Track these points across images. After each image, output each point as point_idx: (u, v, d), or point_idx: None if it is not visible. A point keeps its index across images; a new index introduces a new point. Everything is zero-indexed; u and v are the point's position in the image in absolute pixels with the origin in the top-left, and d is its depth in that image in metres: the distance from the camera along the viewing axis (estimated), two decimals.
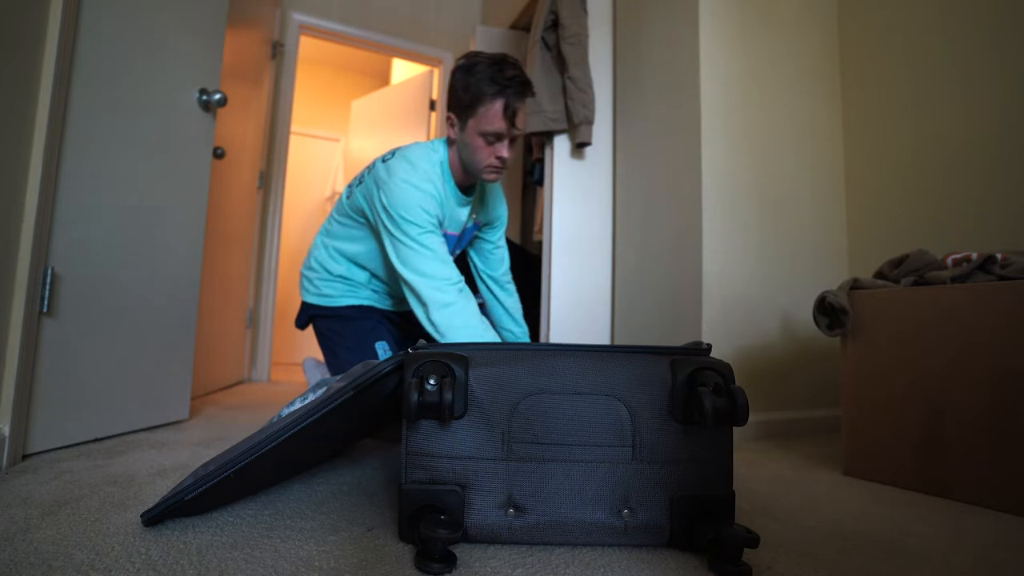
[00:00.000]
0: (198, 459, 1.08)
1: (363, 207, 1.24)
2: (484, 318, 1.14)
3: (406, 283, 1.13)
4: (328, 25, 2.82)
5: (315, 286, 1.35)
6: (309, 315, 1.37)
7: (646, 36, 1.81)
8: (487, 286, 1.46)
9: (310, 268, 1.37)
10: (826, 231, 1.76)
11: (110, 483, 0.90)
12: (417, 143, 1.24)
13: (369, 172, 1.24)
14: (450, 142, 1.21)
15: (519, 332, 1.47)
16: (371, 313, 1.35)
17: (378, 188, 1.16)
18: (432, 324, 1.10)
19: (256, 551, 0.65)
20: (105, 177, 1.22)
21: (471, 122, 1.13)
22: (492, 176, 1.18)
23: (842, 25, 1.85)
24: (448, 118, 1.18)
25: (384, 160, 1.21)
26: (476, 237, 1.42)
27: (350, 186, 1.32)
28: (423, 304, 1.11)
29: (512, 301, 1.47)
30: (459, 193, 1.23)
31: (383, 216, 1.14)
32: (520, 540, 0.69)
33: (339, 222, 1.33)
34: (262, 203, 2.61)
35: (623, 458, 0.69)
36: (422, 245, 1.11)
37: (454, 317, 1.09)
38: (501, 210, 1.42)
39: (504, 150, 1.14)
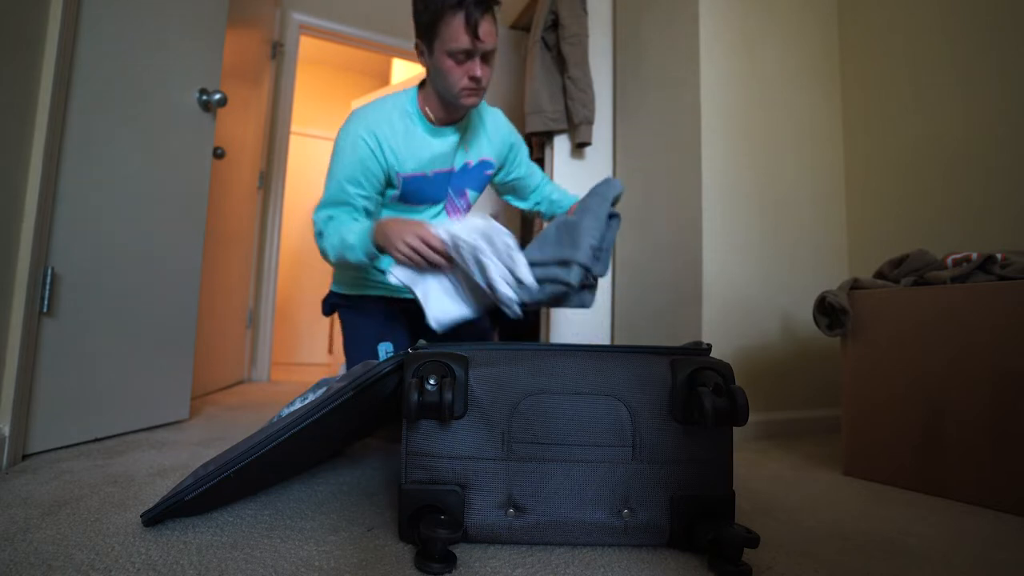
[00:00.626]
0: (198, 459, 1.08)
1: None
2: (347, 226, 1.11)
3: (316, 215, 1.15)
4: (328, 25, 2.82)
5: (338, 272, 1.34)
6: (331, 302, 1.35)
7: (646, 36, 1.81)
8: (546, 213, 1.39)
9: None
10: (826, 231, 1.76)
11: (110, 483, 0.90)
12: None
13: None
14: (426, 76, 1.16)
15: (565, 199, 1.38)
16: (383, 308, 1.29)
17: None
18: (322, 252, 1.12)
19: (256, 551, 0.65)
20: (105, 177, 1.22)
21: (436, 43, 1.06)
22: (470, 99, 1.10)
23: (842, 25, 1.85)
24: (416, 47, 1.13)
25: None
26: (502, 183, 1.35)
27: None
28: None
29: (560, 194, 1.39)
30: (431, 126, 1.16)
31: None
32: (520, 540, 0.69)
33: None
34: (262, 203, 2.61)
35: (623, 458, 0.69)
36: (334, 162, 1.13)
37: (329, 238, 1.10)
38: (511, 138, 1.31)
39: (476, 68, 1.06)
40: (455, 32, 1.03)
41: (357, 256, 1.06)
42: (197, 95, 1.49)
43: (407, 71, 3.59)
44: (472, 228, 0.96)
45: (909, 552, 0.73)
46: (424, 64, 1.13)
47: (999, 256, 1.00)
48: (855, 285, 1.19)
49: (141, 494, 0.85)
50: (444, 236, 0.97)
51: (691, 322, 1.55)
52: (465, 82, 1.07)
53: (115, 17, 1.24)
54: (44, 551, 0.63)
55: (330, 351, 4.06)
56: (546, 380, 0.70)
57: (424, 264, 0.99)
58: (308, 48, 3.85)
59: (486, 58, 1.08)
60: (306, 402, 0.83)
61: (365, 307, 1.29)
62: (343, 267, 1.28)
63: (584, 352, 0.73)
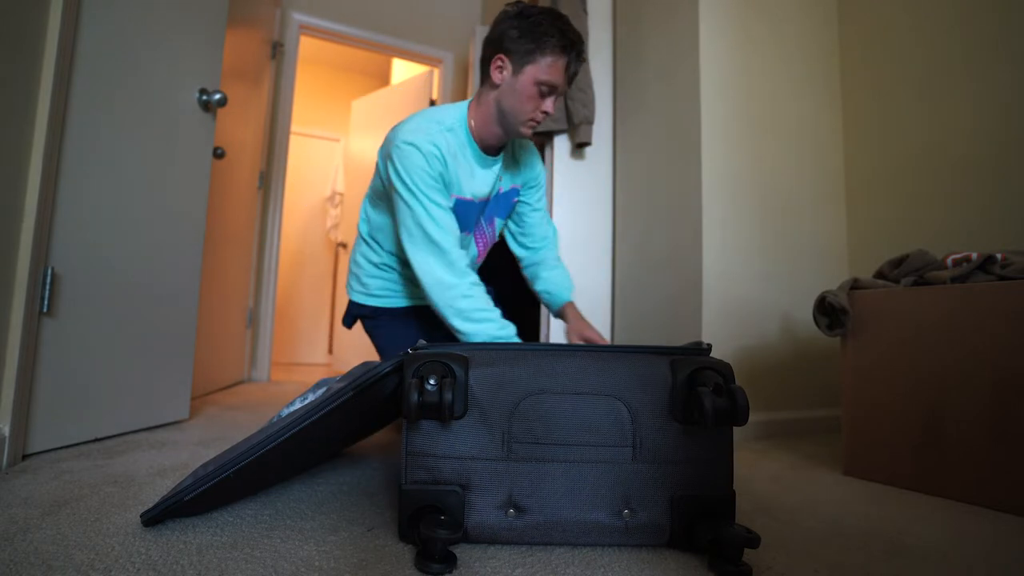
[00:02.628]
0: (198, 459, 1.08)
1: (382, 178, 1.16)
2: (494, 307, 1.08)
3: (413, 263, 1.07)
4: (328, 25, 2.82)
5: (361, 283, 1.30)
6: (354, 314, 1.33)
7: (646, 36, 1.81)
8: (526, 258, 1.35)
9: (356, 263, 1.32)
10: (826, 231, 1.76)
11: (110, 483, 0.90)
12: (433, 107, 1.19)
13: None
14: (490, 87, 1.12)
15: (558, 278, 1.33)
16: (412, 320, 1.29)
17: (384, 149, 1.12)
18: (447, 316, 1.07)
19: (256, 551, 0.65)
20: (105, 177, 1.22)
21: (529, 68, 1.06)
22: (529, 130, 1.12)
23: (842, 25, 1.85)
24: (496, 60, 1.09)
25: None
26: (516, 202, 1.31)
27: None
28: (436, 294, 1.06)
29: (554, 275, 1.33)
30: (480, 153, 1.15)
31: (393, 180, 1.09)
32: (520, 540, 0.69)
33: (372, 207, 1.26)
34: (262, 203, 2.61)
35: (623, 458, 0.69)
36: (427, 214, 1.06)
37: (473, 310, 1.05)
38: (538, 168, 1.32)
39: (551, 105, 1.10)
40: (555, 69, 1.07)
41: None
42: (197, 95, 1.49)
43: (407, 71, 3.59)
44: None
45: (909, 552, 0.73)
46: (497, 78, 1.10)
47: (999, 256, 1.00)
48: (855, 285, 1.19)
49: (141, 494, 0.85)
50: None
51: (691, 322, 1.55)
52: (537, 114, 1.10)
53: (115, 17, 1.24)
54: (44, 551, 0.63)
55: (330, 351, 4.06)
56: (546, 380, 0.70)
57: None
58: (308, 48, 3.86)
59: (556, 99, 1.11)
60: (306, 402, 0.83)
61: (388, 319, 1.30)
62: (384, 268, 1.28)
63: (584, 352, 0.73)
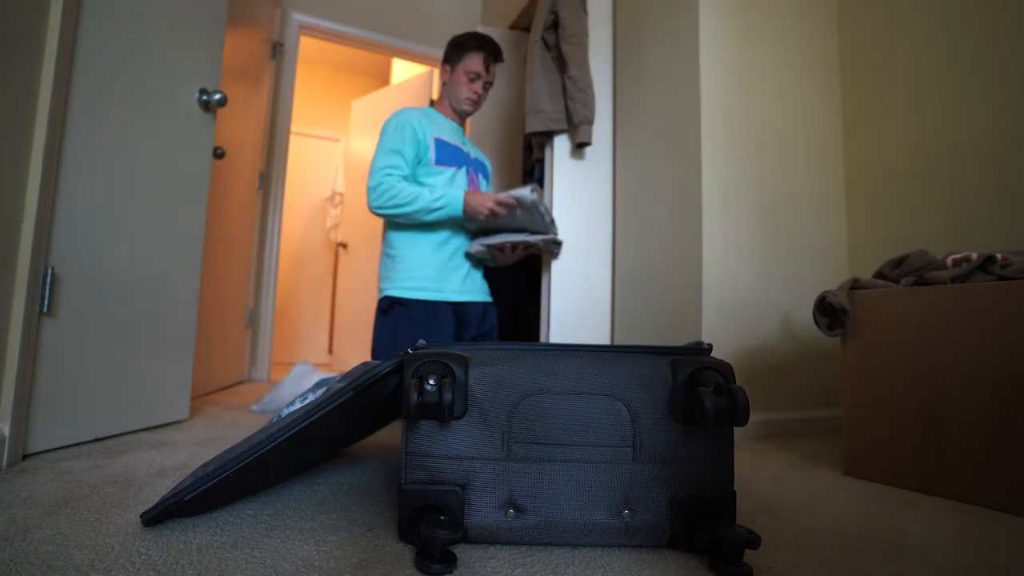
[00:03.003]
0: (198, 459, 1.08)
1: None
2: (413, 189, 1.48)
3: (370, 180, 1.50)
4: (328, 25, 2.82)
5: (395, 274, 1.55)
6: (390, 304, 1.53)
7: (646, 36, 1.81)
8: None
9: (387, 255, 1.59)
10: (826, 231, 1.76)
11: (110, 483, 0.90)
12: None
13: None
14: (443, 87, 1.68)
15: None
16: (435, 315, 1.51)
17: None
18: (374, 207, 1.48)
19: (256, 551, 0.65)
20: (105, 177, 1.22)
21: (459, 65, 1.62)
22: (469, 106, 1.64)
23: (843, 25, 1.85)
24: (442, 68, 1.67)
25: None
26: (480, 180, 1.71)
27: None
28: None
29: None
30: (447, 120, 1.66)
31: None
32: (520, 540, 0.69)
33: None
34: (262, 203, 2.61)
35: (623, 458, 0.69)
36: (385, 142, 1.52)
37: (386, 192, 1.47)
38: (486, 162, 1.76)
39: (479, 87, 1.63)
40: (474, 62, 1.61)
41: (440, 214, 1.48)
42: (197, 95, 1.49)
43: (407, 71, 3.59)
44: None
45: (909, 552, 0.73)
46: (444, 78, 1.67)
47: (999, 256, 1.00)
48: (855, 285, 1.19)
49: (141, 494, 0.85)
50: (511, 195, 1.49)
51: (691, 322, 1.55)
52: (470, 94, 1.63)
53: (115, 17, 1.24)
54: (44, 551, 0.63)
55: (330, 351, 4.06)
56: (546, 380, 0.70)
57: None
58: (308, 48, 3.86)
59: (485, 86, 1.65)
60: (306, 402, 0.83)
61: (423, 311, 1.49)
62: (403, 225, 1.58)
63: (584, 352, 0.73)
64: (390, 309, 1.51)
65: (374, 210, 1.47)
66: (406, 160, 1.50)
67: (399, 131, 1.51)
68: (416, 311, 1.48)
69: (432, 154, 1.54)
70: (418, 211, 1.45)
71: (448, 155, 1.57)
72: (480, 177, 1.67)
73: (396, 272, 1.54)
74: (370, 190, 1.47)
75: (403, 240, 1.56)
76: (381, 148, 1.51)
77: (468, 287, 1.59)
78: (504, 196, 1.48)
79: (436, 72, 3.08)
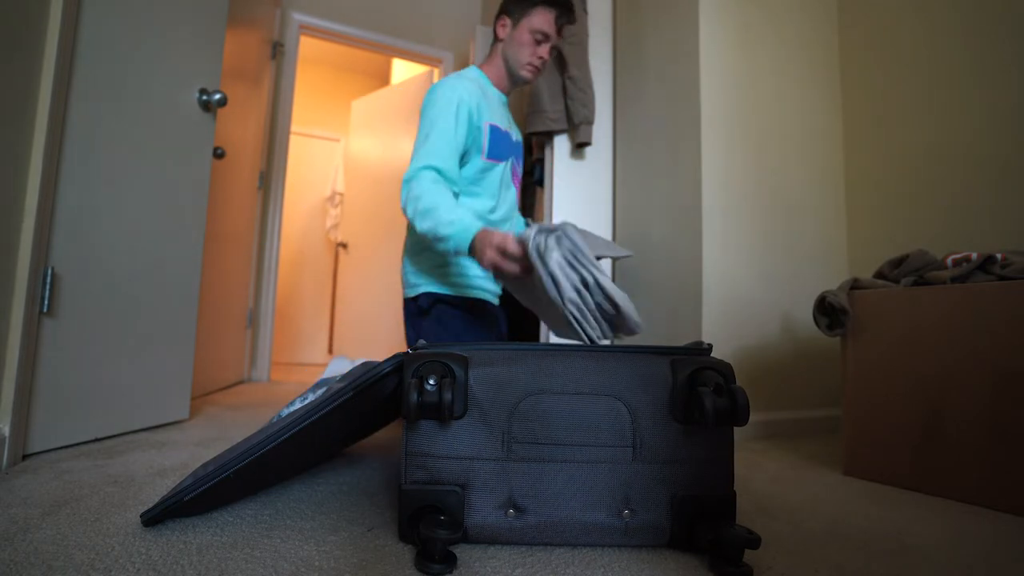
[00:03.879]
0: (198, 459, 1.08)
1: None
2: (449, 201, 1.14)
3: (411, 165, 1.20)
4: (328, 25, 2.82)
5: (428, 275, 1.31)
6: (427, 303, 1.30)
7: (646, 36, 1.81)
8: None
9: (412, 255, 1.35)
10: (826, 231, 1.76)
11: (110, 483, 0.90)
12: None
13: None
14: (496, 42, 1.37)
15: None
16: (488, 314, 1.32)
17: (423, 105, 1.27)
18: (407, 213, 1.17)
19: (256, 551, 0.65)
20: (105, 177, 1.22)
21: (524, 20, 1.31)
22: (530, 73, 1.34)
23: (843, 25, 1.85)
24: (500, 19, 1.35)
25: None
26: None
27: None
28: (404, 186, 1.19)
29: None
30: (496, 91, 1.38)
31: (422, 111, 1.25)
32: (520, 540, 0.69)
33: None
34: (262, 203, 2.61)
35: (623, 458, 0.69)
36: (431, 122, 1.21)
37: (421, 200, 1.14)
38: (519, 136, 1.47)
39: (545, 51, 1.32)
40: (544, 20, 1.31)
41: (445, 245, 1.09)
42: (197, 95, 1.49)
43: (407, 71, 3.59)
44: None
45: (909, 552, 0.73)
46: (501, 34, 1.35)
47: (999, 256, 1.00)
48: (855, 285, 1.19)
49: (141, 494, 0.85)
50: (528, 242, 0.89)
51: (691, 322, 1.55)
52: (534, 59, 1.32)
53: (115, 17, 1.24)
54: (44, 551, 0.63)
55: (330, 351, 4.06)
56: (546, 380, 0.70)
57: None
58: (308, 48, 3.86)
59: (551, 48, 1.34)
60: (306, 402, 0.83)
61: (470, 309, 1.30)
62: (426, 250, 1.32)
63: (584, 352, 0.73)
64: (432, 308, 1.29)
65: (405, 213, 1.17)
66: (457, 150, 1.21)
67: (451, 111, 1.20)
68: (467, 309, 1.30)
69: (486, 145, 1.26)
70: (425, 232, 1.12)
71: (500, 146, 1.30)
72: (520, 167, 1.43)
73: (437, 266, 1.31)
74: (404, 183, 1.18)
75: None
76: (427, 128, 1.20)
77: (495, 286, 1.40)
78: (513, 244, 0.97)
79: (436, 72, 3.09)
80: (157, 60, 1.35)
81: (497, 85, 1.37)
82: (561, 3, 1.31)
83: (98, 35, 1.19)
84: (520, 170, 1.44)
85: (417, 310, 1.31)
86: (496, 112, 1.32)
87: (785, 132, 1.71)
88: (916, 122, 1.60)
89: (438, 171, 1.17)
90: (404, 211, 1.17)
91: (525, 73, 1.33)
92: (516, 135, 1.42)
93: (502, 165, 1.32)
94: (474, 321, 1.28)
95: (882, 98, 1.70)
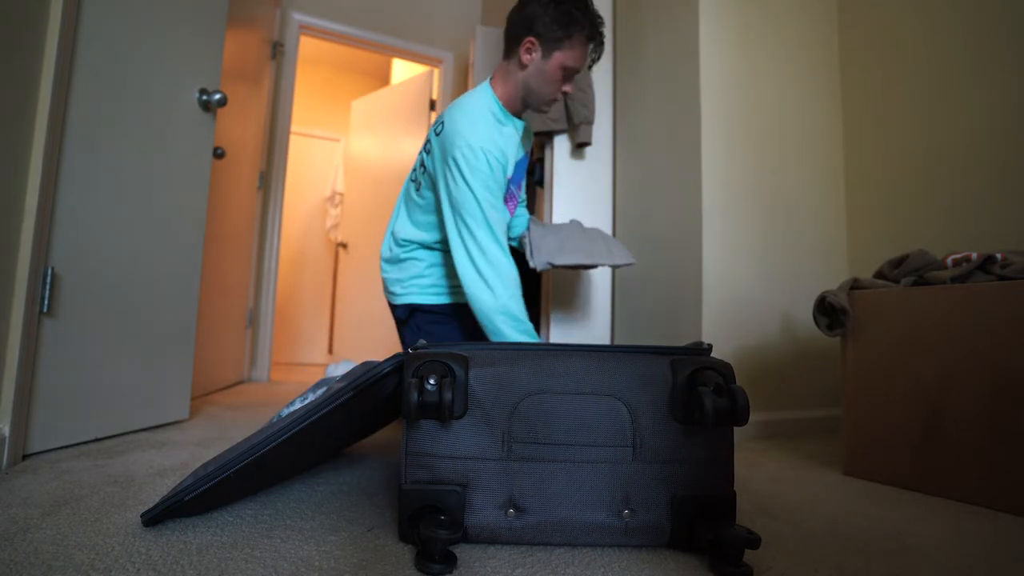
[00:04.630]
0: (198, 459, 1.08)
1: (432, 173, 1.24)
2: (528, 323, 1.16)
3: (463, 246, 1.14)
4: (328, 25, 2.82)
5: (407, 285, 1.33)
6: (406, 314, 1.34)
7: (646, 36, 1.81)
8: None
9: (392, 263, 1.36)
10: (826, 231, 1.76)
11: (110, 483, 0.90)
12: (463, 98, 1.25)
13: (428, 152, 1.26)
14: (518, 66, 1.22)
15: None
16: (463, 315, 1.31)
17: (450, 148, 1.16)
18: (490, 317, 1.13)
19: (256, 551, 0.65)
20: (105, 177, 1.22)
21: (558, 54, 1.18)
22: (549, 108, 1.27)
23: (843, 25, 1.85)
24: (527, 42, 1.19)
25: (441, 125, 1.22)
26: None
27: (413, 179, 1.33)
28: (483, 287, 1.13)
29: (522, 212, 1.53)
30: (517, 121, 1.28)
31: (453, 168, 1.15)
32: (520, 540, 0.69)
33: (420, 208, 1.30)
34: (262, 203, 2.61)
35: (624, 458, 0.69)
36: (485, 209, 1.13)
37: (513, 319, 1.13)
38: (530, 135, 1.45)
39: (571, 87, 1.24)
40: (579, 56, 1.19)
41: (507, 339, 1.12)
42: (197, 95, 1.49)
43: (407, 71, 3.59)
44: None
45: (909, 552, 0.73)
46: (526, 59, 1.20)
47: (999, 256, 1.00)
48: (855, 285, 1.19)
49: (141, 494, 0.85)
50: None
51: (691, 322, 1.55)
52: (558, 94, 1.24)
53: (115, 17, 1.24)
54: (44, 551, 0.63)
55: (330, 351, 4.06)
56: (547, 380, 0.70)
57: None
58: (308, 48, 3.86)
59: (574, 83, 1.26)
60: (306, 402, 0.83)
61: (447, 313, 1.31)
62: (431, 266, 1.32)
63: (584, 352, 0.73)
64: (410, 318, 1.33)
65: (508, 315, 1.14)
66: (503, 212, 1.20)
67: (495, 173, 1.16)
68: (444, 313, 1.32)
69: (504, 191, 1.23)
70: (483, 319, 1.15)
71: (510, 185, 1.29)
72: (519, 183, 1.38)
73: (413, 277, 1.33)
74: (492, 265, 1.12)
75: (435, 254, 1.33)
76: (485, 197, 1.14)
77: None
78: None
79: (436, 72, 3.08)
80: (157, 60, 1.35)
81: (511, 110, 1.27)
82: (599, 36, 1.21)
83: (98, 35, 1.19)
84: (517, 188, 1.40)
85: (399, 320, 1.37)
86: (513, 151, 1.25)
87: (785, 132, 1.71)
88: (916, 122, 1.60)
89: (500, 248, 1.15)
90: (507, 314, 1.13)
91: (546, 108, 1.27)
92: (525, 148, 1.37)
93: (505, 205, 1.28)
94: (452, 324, 1.30)
95: (882, 98, 1.70)
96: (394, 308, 1.38)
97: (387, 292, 1.39)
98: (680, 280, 1.60)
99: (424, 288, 1.33)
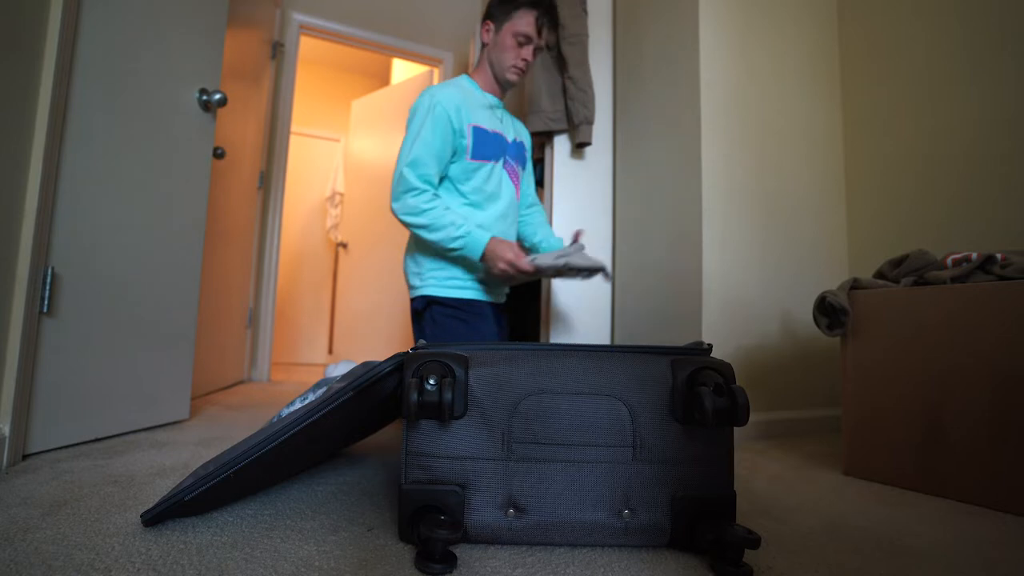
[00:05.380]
0: (198, 459, 1.08)
1: None
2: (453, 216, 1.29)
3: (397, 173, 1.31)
4: (328, 25, 2.82)
5: (425, 277, 1.39)
6: (425, 305, 1.38)
7: (646, 36, 1.81)
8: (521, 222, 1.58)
9: (411, 256, 1.44)
10: (826, 231, 1.76)
11: (110, 483, 0.90)
12: None
13: None
14: (483, 49, 1.43)
15: (547, 236, 1.57)
16: (480, 313, 1.37)
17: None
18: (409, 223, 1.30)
19: (256, 551, 0.65)
20: (105, 177, 1.22)
21: (506, 25, 1.37)
22: (514, 76, 1.40)
23: (843, 24, 1.85)
24: (484, 25, 1.41)
25: None
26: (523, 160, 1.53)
27: None
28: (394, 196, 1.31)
29: (537, 217, 1.61)
30: (482, 91, 1.43)
31: (408, 120, 1.35)
32: (520, 540, 0.69)
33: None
34: (262, 203, 2.61)
35: (623, 458, 0.69)
36: (415, 131, 1.30)
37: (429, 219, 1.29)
38: (529, 139, 1.57)
39: (529, 53, 1.38)
40: (525, 23, 1.36)
41: (457, 254, 1.30)
42: (197, 95, 1.49)
43: (407, 71, 3.59)
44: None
45: (909, 552, 0.73)
46: (485, 39, 1.42)
47: (999, 256, 1.00)
48: (855, 285, 1.19)
49: (141, 494, 0.85)
50: (536, 264, 1.27)
51: (691, 322, 1.55)
52: (518, 61, 1.38)
53: (115, 17, 1.24)
54: (44, 551, 0.63)
55: (330, 351, 4.06)
56: (546, 380, 0.70)
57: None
58: (308, 48, 3.86)
59: (535, 50, 1.40)
60: (306, 402, 0.83)
61: (463, 308, 1.36)
62: (424, 245, 1.40)
63: (584, 352, 0.73)
64: (426, 311, 1.38)
65: (395, 214, 1.30)
66: (438, 158, 1.30)
67: (432, 120, 1.28)
68: (460, 308, 1.35)
69: (469, 146, 1.33)
70: (436, 242, 1.28)
71: (487, 146, 1.36)
72: (519, 165, 1.48)
73: (431, 269, 1.38)
74: (397, 192, 1.29)
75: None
76: (411, 137, 1.30)
77: (489, 291, 1.45)
78: (526, 264, 1.25)
79: (436, 72, 3.09)
80: (157, 60, 1.35)
81: (487, 89, 1.43)
82: (542, 4, 1.36)
83: (98, 35, 1.19)
84: (520, 168, 1.49)
85: (416, 311, 1.40)
86: (481, 114, 1.37)
87: (785, 132, 1.71)
88: (916, 122, 1.60)
89: (424, 178, 1.29)
90: (395, 214, 1.31)
91: (510, 76, 1.39)
92: (514, 135, 1.47)
93: (490, 165, 1.37)
94: (467, 320, 1.35)
95: (883, 97, 1.70)
96: (412, 300, 1.42)
97: (408, 285, 1.46)
98: (680, 280, 1.60)
99: (441, 281, 1.37)
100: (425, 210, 1.27)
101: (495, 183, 1.39)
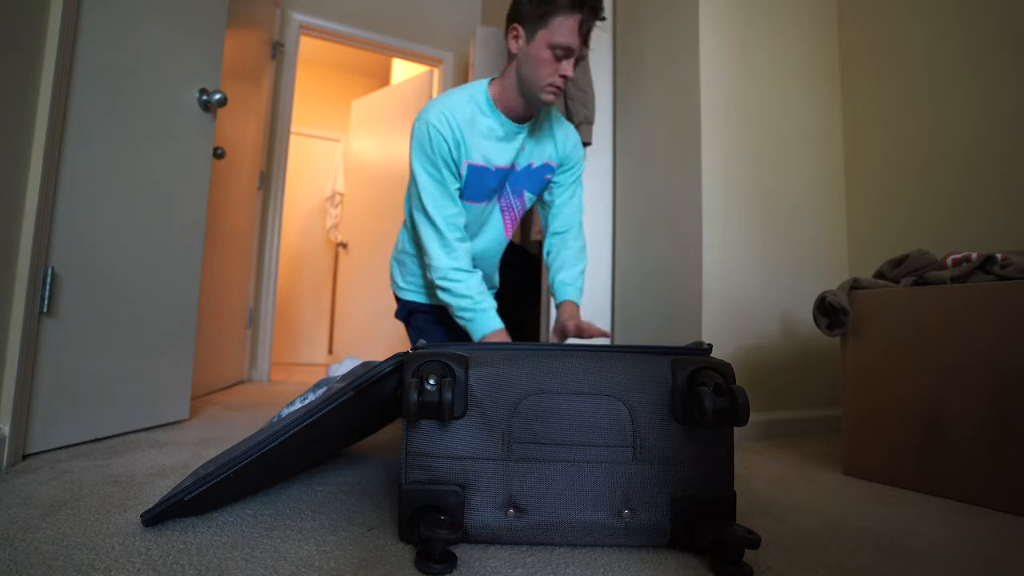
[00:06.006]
0: (198, 459, 1.08)
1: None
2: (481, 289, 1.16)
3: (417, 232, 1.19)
4: (328, 25, 2.82)
5: (405, 283, 1.36)
6: (409, 311, 1.37)
7: (646, 36, 1.81)
8: (548, 243, 1.35)
9: (396, 260, 1.39)
10: (826, 231, 1.76)
11: (110, 483, 0.90)
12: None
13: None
14: (510, 58, 1.14)
15: (568, 281, 1.31)
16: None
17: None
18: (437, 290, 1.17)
19: (256, 551, 0.65)
20: (105, 177, 1.22)
21: (542, 33, 1.06)
22: (551, 96, 1.11)
23: (843, 24, 1.85)
24: (512, 29, 1.11)
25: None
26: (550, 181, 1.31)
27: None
28: (428, 265, 1.17)
29: (568, 254, 1.32)
30: (503, 120, 1.16)
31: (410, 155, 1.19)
32: (520, 540, 0.69)
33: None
34: (262, 203, 2.61)
35: (623, 458, 0.69)
36: (420, 187, 1.15)
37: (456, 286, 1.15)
38: (577, 149, 1.30)
39: (570, 68, 1.07)
40: (567, 30, 1.04)
41: (463, 324, 1.16)
42: (197, 95, 1.48)
43: (407, 71, 3.59)
44: None
45: (909, 552, 0.73)
46: (513, 47, 1.12)
47: (999, 256, 1.00)
48: (855, 285, 1.19)
49: (141, 494, 0.85)
50: None
51: (691, 322, 1.55)
52: (555, 79, 1.08)
53: (115, 17, 1.24)
54: (44, 551, 0.63)
55: (330, 351, 4.06)
56: (546, 380, 0.70)
57: None
58: (308, 48, 3.85)
59: (577, 62, 1.09)
60: (306, 403, 0.83)
61: (445, 313, 1.29)
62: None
63: (584, 352, 0.73)
64: (410, 318, 1.35)
65: (434, 281, 1.17)
66: (449, 185, 1.15)
67: (432, 151, 1.12)
68: (442, 313, 1.31)
69: (462, 188, 1.18)
70: (449, 306, 1.17)
71: (480, 188, 1.18)
72: (528, 191, 1.27)
73: (410, 275, 1.34)
74: (428, 252, 1.14)
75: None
76: (420, 173, 1.15)
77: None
78: None
79: (436, 72, 3.08)
80: (157, 60, 1.35)
81: (507, 107, 1.16)
82: (588, 5, 1.05)
83: (98, 35, 1.19)
84: (527, 195, 1.28)
85: (402, 318, 1.39)
86: (484, 147, 1.16)
87: (785, 132, 1.71)
88: (916, 122, 1.60)
89: (446, 238, 1.15)
90: (433, 281, 1.17)
91: (545, 97, 1.10)
92: (536, 155, 1.24)
93: (480, 206, 1.21)
94: (450, 323, 1.28)
95: (883, 97, 1.70)
96: (398, 307, 1.40)
97: (394, 287, 1.42)
98: (680, 280, 1.60)
99: (420, 288, 1.34)
100: (447, 275, 1.15)
101: (478, 224, 1.25)
